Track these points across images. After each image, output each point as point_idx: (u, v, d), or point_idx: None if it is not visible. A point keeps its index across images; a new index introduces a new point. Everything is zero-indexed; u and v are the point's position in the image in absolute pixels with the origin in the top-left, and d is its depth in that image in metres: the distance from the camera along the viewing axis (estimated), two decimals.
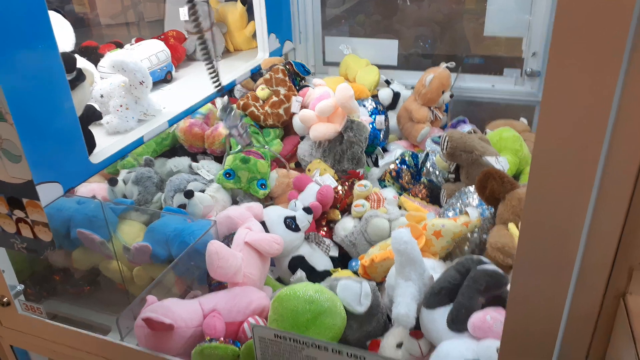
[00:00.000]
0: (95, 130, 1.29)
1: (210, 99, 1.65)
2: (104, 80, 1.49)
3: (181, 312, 0.94)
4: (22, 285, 1.05)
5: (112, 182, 1.44)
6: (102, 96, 1.45)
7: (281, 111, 1.64)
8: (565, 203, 0.57)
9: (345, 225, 1.38)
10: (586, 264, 0.61)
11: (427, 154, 1.54)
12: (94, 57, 1.65)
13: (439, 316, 0.87)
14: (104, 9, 2.76)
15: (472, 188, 1.24)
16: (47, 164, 1.03)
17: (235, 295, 1.01)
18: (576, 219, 0.57)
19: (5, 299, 1.03)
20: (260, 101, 1.67)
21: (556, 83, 0.51)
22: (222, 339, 0.90)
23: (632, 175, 0.56)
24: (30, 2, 0.94)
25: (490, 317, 0.81)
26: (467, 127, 1.72)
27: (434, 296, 0.90)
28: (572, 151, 0.54)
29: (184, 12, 1.92)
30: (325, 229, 1.42)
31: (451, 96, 1.79)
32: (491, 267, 0.86)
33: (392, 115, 1.86)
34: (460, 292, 0.86)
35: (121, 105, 1.40)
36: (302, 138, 1.64)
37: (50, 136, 1.05)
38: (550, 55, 0.50)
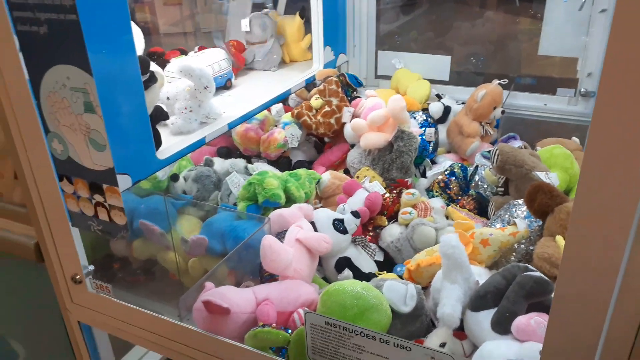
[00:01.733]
0: (161, 129, 1.39)
1: (267, 106, 1.74)
2: (170, 84, 1.60)
3: (236, 298, 1.01)
4: (93, 266, 1.14)
5: (174, 178, 1.53)
6: (168, 98, 1.55)
7: (332, 121, 1.71)
8: (612, 210, 0.59)
9: (392, 232, 1.41)
10: (630, 269, 0.63)
11: (477, 167, 1.56)
12: (160, 62, 1.76)
13: (483, 318, 0.90)
14: (163, 19, 2.93)
15: (520, 201, 1.26)
16: (120, 157, 1.12)
17: (286, 287, 1.07)
18: (622, 226, 0.60)
19: (77, 277, 1.12)
20: (314, 110, 1.74)
21: (608, 101, 0.55)
22: (274, 324, 0.96)
23: None
24: (117, 14, 1.03)
25: (535, 322, 0.83)
26: (517, 144, 1.73)
27: (479, 299, 0.92)
28: (619, 162, 0.57)
29: (245, 24, 2.03)
30: (371, 234, 1.46)
31: (502, 112, 1.81)
32: (537, 273, 0.88)
33: (442, 129, 1.89)
34: (506, 296, 0.89)
35: (185, 108, 1.49)
36: (352, 146, 1.70)
37: (125, 131, 1.14)
38: (603, 75, 0.54)
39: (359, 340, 0.82)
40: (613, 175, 0.58)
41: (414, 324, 1.06)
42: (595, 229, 0.61)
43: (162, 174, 1.55)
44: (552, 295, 0.88)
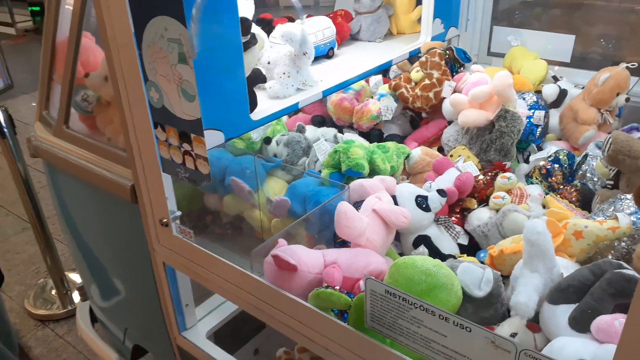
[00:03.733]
0: (259, 93, 1.42)
1: (364, 77, 1.71)
2: (272, 49, 1.63)
3: (305, 257, 1.02)
4: (180, 212, 1.22)
5: (267, 141, 1.58)
6: (269, 63, 1.59)
7: (431, 94, 1.63)
8: None
9: (480, 216, 1.33)
10: None
11: (586, 155, 1.42)
12: (268, 28, 1.81)
13: (561, 313, 0.82)
14: None
15: (629, 195, 1.12)
16: (214, 113, 1.17)
17: (356, 254, 1.06)
18: None
19: (164, 220, 1.21)
20: (412, 83, 1.67)
21: None
22: (337, 287, 0.96)
23: None
24: None
25: (619, 323, 0.74)
26: (639, 136, 1.54)
27: (560, 292, 0.84)
28: None
29: None
30: (458, 215, 1.39)
31: (627, 100, 1.61)
32: (631, 271, 0.78)
33: (556, 114, 1.74)
34: (590, 291, 0.80)
35: (284, 73, 1.52)
36: (449, 123, 1.62)
37: (222, 88, 1.18)
38: None
39: (417, 314, 0.79)
40: None
41: (488, 310, 1.00)
42: None
43: (256, 136, 1.61)
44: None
